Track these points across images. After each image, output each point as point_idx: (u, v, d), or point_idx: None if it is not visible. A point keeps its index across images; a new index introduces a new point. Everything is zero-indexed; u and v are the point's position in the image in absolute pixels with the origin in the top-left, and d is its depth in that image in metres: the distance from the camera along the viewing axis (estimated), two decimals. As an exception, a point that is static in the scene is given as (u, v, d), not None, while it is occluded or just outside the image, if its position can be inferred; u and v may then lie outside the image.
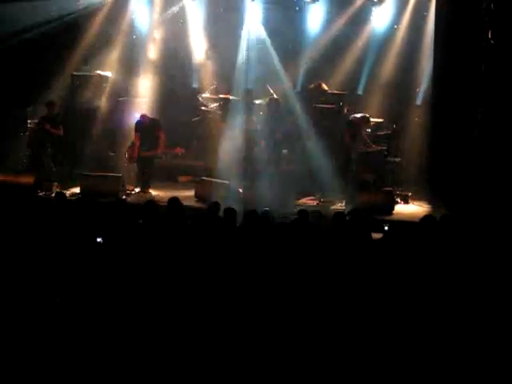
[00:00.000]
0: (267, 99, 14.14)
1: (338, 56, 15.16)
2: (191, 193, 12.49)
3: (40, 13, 14.01)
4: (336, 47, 15.27)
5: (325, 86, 14.59)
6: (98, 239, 7.01)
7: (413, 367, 5.21)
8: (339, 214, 7.98)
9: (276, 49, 15.37)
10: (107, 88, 14.68)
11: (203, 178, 12.81)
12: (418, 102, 14.80)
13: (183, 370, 5.25)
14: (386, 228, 8.61)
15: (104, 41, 14.86)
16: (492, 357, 5.28)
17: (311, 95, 14.63)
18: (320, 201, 12.58)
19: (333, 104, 14.33)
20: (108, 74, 14.80)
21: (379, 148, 13.13)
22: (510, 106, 11.44)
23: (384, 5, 14.99)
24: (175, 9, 15.41)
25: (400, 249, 6.76)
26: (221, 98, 15.00)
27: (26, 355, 5.29)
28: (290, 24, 15.55)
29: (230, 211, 7.82)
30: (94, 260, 6.51)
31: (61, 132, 12.90)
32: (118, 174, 12.92)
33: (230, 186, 12.39)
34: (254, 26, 15.58)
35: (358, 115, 13.39)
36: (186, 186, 13.44)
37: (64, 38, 14.37)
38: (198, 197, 12.34)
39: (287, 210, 10.90)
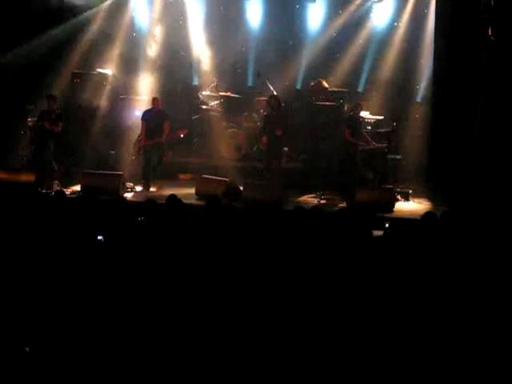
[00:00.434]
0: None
1: (339, 53, 15.19)
2: (192, 190, 12.49)
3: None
4: (336, 44, 15.30)
5: (325, 84, 14.59)
6: (99, 237, 7.01)
7: (414, 366, 5.21)
8: (340, 212, 7.98)
9: (276, 46, 15.40)
10: (107, 86, 14.69)
11: (204, 175, 12.81)
12: (419, 99, 14.83)
13: (184, 367, 5.25)
14: (387, 225, 8.60)
15: (104, 38, 14.86)
16: (494, 355, 5.28)
17: (312, 92, 14.63)
18: (321, 198, 12.58)
19: (333, 101, 14.34)
20: (108, 71, 14.81)
21: (380, 145, 13.13)
22: (510, 103, 11.43)
23: (384, 2, 15.00)
24: (176, 4, 15.43)
25: (400, 246, 6.76)
26: (221, 95, 15.01)
27: (27, 353, 5.30)
28: (290, 21, 15.57)
29: (229, 208, 7.82)
30: (95, 258, 6.51)
31: (58, 129, 12.81)
32: (118, 171, 12.93)
33: (229, 183, 12.39)
34: (253, 23, 15.62)
35: (352, 106, 13.42)
36: (186, 183, 13.45)
37: (64, 36, 14.37)
38: (199, 194, 12.34)
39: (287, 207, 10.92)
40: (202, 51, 15.56)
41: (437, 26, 13.17)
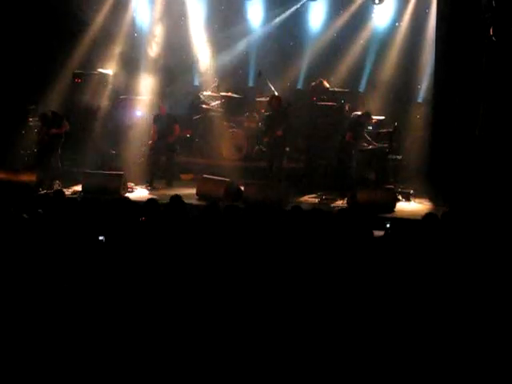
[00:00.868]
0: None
1: (340, 53, 15.19)
2: (193, 191, 12.50)
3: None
4: (337, 45, 15.29)
5: (326, 84, 14.59)
6: (101, 237, 7.01)
7: (414, 366, 5.21)
8: (341, 212, 7.99)
9: (278, 46, 15.41)
10: (108, 86, 14.69)
11: (205, 175, 12.81)
12: (420, 99, 14.82)
13: (185, 367, 5.25)
14: (388, 225, 8.60)
15: (105, 38, 14.86)
16: (494, 355, 5.28)
17: (313, 93, 14.63)
18: (322, 198, 12.58)
19: (334, 101, 14.34)
20: (109, 71, 14.81)
21: (381, 146, 13.12)
22: (511, 104, 11.42)
23: (385, 2, 14.99)
24: (178, 5, 15.45)
25: (401, 246, 6.76)
26: (222, 95, 15.02)
27: (27, 352, 5.30)
28: (291, 21, 15.57)
29: (231, 208, 7.83)
30: (96, 258, 6.51)
31: (62, 130, 12.91)
32: (119, 171, 12.93)
33: (231, 184, 12.40)
34: (255, 22, 15.63)
35: (359, 113, 13.42)
36: (187, 183, 13.46)
37: (65, 36, 14.38)
38: (200, 195, 12.35)
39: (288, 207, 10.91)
40: (203, 51, 15.56)
41: (438, 26, 13.15)
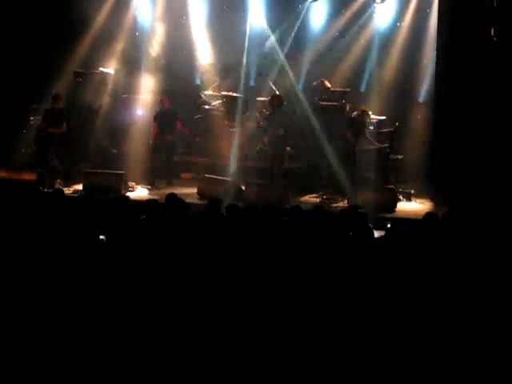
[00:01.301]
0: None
1: (341, 53, 15.17)
2: (194, 190, 12.50)
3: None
4: (338, 44, 15.27)
5: (327, 84, 14.57)
6: (101, 237, 7.01)
7: (415, 366, 5.21)
8: (342, 212, 7.99)
9: (279, 46, 15.40)
10: (109, 85, 14.69)
11: (206, 175, 12.81)
12: (421, 99, 14.79)
13: (184, 367, 5.25)
14: (389, 225, 8.60)
15: (106, 37, 14.86)
16: (494, 356, 5.28)
17: (314, 92, 14.62)
18: (323, 198, 12.58)
19: (335, 101, 14.33)
20: (110, 70, 14.80)
21: (381, 145, 13.12)
22: (512, 104, 11.43)
23: (387, 2, 14.98)
24: (179, 4, 15.45)
25: (402, 246, 6.75)
26: (223, 95, 15.01)
27: (27, 353, 5.30)
28: (292, 21, 15.56)
29: (232, 208, 7.82)
30: (96, 258, 6.51)
31: (60, 130, 12.89)
32: (120, 170, 12.93)
33: (232, 183, 12.39)
34: (257, 22, 15.61)
35: (358, 112, 13.41)
36: (188, 183, 13.46)
37: (67, 35, 14.38)
38: (201, 194, 12.35)
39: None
40: (204, 50, 15.56)
41: (439, 26, 13.16)
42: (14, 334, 5.48)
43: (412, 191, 12.94)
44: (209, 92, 15.20)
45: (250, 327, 5.53)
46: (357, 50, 15.14)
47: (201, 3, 15.67)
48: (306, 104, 14.28)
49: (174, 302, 5.83)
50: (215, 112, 14.92)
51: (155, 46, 15.29)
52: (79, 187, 12.65)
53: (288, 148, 13.78)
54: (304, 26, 15.68)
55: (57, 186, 12.36)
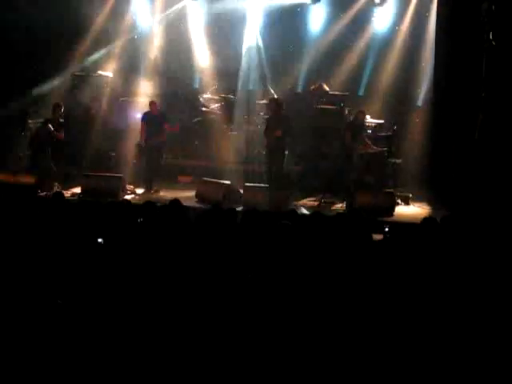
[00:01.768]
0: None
1: (340, 57, 15.18)
2: (192, 193, 12.49)
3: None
4: (337, 48, 15.28)
5: (326, 87, 14.60)
6: (99, 240, 7.01)
7: (413, 369, 5.21)
8: (340, 215, 8.00)
9: (277, 50, 15.42)
10: (108, 88, 14.70)
11: (204, 178, 12.81)
12: (419, 103, 14.82)
13: (183, 369, 5.25)
14: (387, 229, 8.61)
15: (105, 41, 14.87)
16: (492, 358, 5.28)
17: (312, 96, 14.64)
18: (321, 202, 12.58)
19: (334, 105, 14.34)
20: (109, 74, 14.82)
21: (380, 149, 13.12)
22: (511, 108, 11.43)
23: (385, 6, 15.01)
24: (177, 7, 15.46)
25: (400, 250, 6.75)
26: (222, 98, 15.02)
27: (26, 356, 5.29)
28: (291, 25, 15.58)
29: (230, 212, 7.83)
30: (94, 261, 6.51)
31: (62, 136, 12.96)
32: (118, 174, 12.93)
33: (230, 187, 12.40)
34: (255, 26, 15.63)
35: (356, 113, 13.44)
36: (186, 186, 13.45)
37: (65, 38, 14.39)
38: (199, 197, 12.35)
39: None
40: (202, 54, 15.57)
41: (437, 30, 13.18)
42: (13, 337, 5.47)
43: (410, 195, 12.94)
44: (207, 95, 15.21)
45: (249, 331, 5.53)
46: (355, 53, 15.16)
47: (199, 6, 15.68)
48: None
49: (173, 304, 5.83)
50: (214, 115, 14.93)
51: (154, 50, 15.30)
52: (77, 190, 12.64)
53: (286, 151, 13.77)
54: (303, 29, 15.70)
55: (55, 189, 12.36)
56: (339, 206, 12.34)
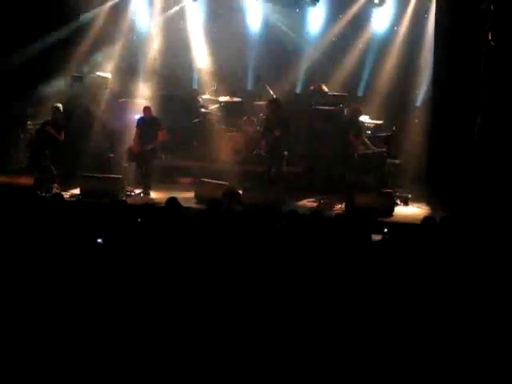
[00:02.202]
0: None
1: (339, 57, 15.18)
2: (191, 194, 12.48)
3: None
4: (336, 49, 15.29)
5: (325, 88, 14.59)
6: (99, 240, 7.01)
7: (411, 369, 5.21)
8: (339, 216, 7.99)
9: (276, 50, 15.43)
10: (107, 89, 14.69)
11: (203, 179, 12.80)
12: (418, 103, 14.81)
13: (183, 368, 5.24)
14: (386, 230, 8.60)
15: (104, 42, 14.86)
16: (492, 358, 5.27)
17: (311, 97, 14.63)
18: (320, 202, 12.57)
19: (333, 105, 14.34)
20: (108, 75, 14.80)
21: (379, 150, 13.12)
22: (510, 108, 11.43)
23: (384, 6, 15.01)
24: (176, 8, 15.46)
25: (400, 250, 6.75)
26: (221, 99, 15.02)
27: (26, 356, 5.29)
28: (290, 25, 15.58)
29: (229, 212, 7.83)
30: (94, 261, 6.51)
31: (61, 137, 12.95)
32: (117, 175, 12.92)
33: (230, 188, 12.38)
34: (254, 26, 15.65)
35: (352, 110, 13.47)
36: (185, 187, 13.44)
37: (64, 39, 14.38)
38: (198, 198, 12.33)
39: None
40: (201, 55, 15.56)
41: (437, 30, 13.17)
42: (14, 337, 5.47)
43: (409, 195, 12.93)
44: (206, 96, 15.21)
45: (249, 331, 5.52)
46: (354, 54, 15.16)
47: (198, 7, 15.68)
48: None
49: (171, 304, 5.83)
50: (213, 116, 14.93)
51: (153, 50, 15.28)
52: (76, 191, 12.63)
53: (285, 152, 13.77)
54: (302, 30, 15.70)
55: (54, 190, 12.35)
56: (338, 206, 12.32)
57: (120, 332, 5.56)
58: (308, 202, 12.73)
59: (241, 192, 12.34)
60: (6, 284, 6.10)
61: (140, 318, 5.70)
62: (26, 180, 12.24)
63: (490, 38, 11.32)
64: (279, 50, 15.57)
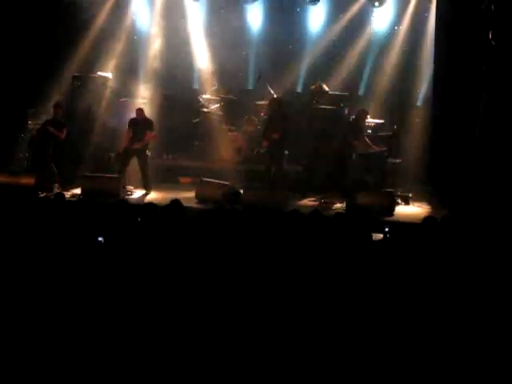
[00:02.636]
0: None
1: (339, 57, 15.20)
2: (192, 194, 12.48)
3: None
4: (337, 48, 15.30)
5: (326, 87, 14.60)
6: (100, 238, 7.01)
7: (413, 368, 5.21)
8: (340, 215, 7.99)
9: (277, 49, 15.44)
10: (108, 89, 14.70)
11: (204, 179, 12.81)
12: (419, 103, 14.83)
13: (184, 368, 5.25)
14: (387, 229, 8.60)
15: (105, 41, 14.87)
16: (492, 358, 5.28)
17: (312, 96, 14.64)
18: (321, 202, 12.58)
19: (334, 105, 14.34)
20: (109, 74, 14.81)
21: (380, 149, 13.13)
22: (510, 107, 11.43)
23: (385, 6, 15.01)
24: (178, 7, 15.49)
25: (400, 250, 6.75)
26: (221, 98, 15.02)
27: (26, 355, 5.30)
28: (291, 25, 15.59)
29: (230, 212, 7.83)
30: (95, 259, 6.51)
31: (63, 135, 12.96)
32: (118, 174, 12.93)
33: (230, 187, 12.39)
34: (254, 26, 15.66)
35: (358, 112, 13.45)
36: (186, 187, 13.44)
37: (65, 39, 14.39)
38: (199, 198, 12.34)
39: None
40: (202, 54, 15.57)
41: (437, 30, 13.18)
42: (14, 337, 5.47)
43: (410, 195, 12.93)
44: (207, 96, 15.22)
45: (249, 330, 5.52)
46: (355, 53, 15.18)
47: (199, 7, 15.69)
48: None
49: (172, 303, 5.83)
50: (213, 116, 14.94)
51: (153, 50, 15.29)
52: (77, 191, 12.63)
53: (286, 151, 13.78)
54: (302, 30, 15.72)
55: (55, 190, 12.36)
56: (339, 205, 12.32)
57: (122, 331, 5.56)
58: (309, 202, 12.74)
59: (241, 191, 12.37)
60: (9, 284, 6.10)
61: (142, 316, 5.70)
62: (27, 180, 12.25)
63: (490, 37, 11.32)
64: (280, 49, 15.57)
